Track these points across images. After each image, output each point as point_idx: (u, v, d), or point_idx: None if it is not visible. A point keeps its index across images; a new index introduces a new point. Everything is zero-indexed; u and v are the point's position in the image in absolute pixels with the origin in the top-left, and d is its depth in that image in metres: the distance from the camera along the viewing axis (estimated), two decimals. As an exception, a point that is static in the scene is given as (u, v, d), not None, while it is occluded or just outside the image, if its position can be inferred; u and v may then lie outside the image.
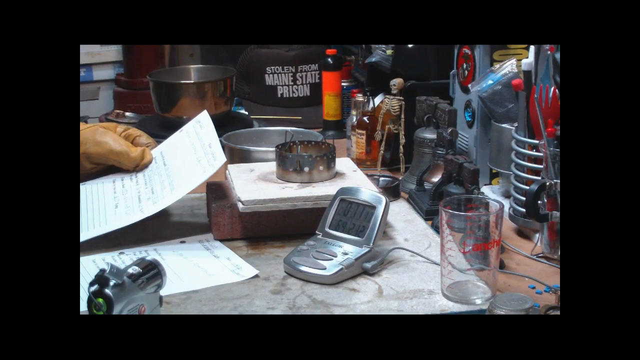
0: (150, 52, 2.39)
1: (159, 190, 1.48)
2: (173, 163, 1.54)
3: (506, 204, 1.45)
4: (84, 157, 1.54)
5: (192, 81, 2.14)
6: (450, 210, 1.20)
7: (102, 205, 1.48)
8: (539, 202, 1.29)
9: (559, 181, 1.27)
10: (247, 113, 2.24)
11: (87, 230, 1.42)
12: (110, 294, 0.98)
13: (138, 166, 1.56)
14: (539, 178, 1.32)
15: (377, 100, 1.86)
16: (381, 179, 1.68)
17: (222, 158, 1.43)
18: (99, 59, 2.59)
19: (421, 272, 1.31)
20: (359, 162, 1.78)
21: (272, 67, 2.28)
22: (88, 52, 2.54)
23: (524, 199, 1.37)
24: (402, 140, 1.70)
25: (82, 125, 1.58)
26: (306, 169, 1.45)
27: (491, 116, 1.58)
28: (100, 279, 0.99)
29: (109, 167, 1.58)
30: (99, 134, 1.54)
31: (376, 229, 1.31)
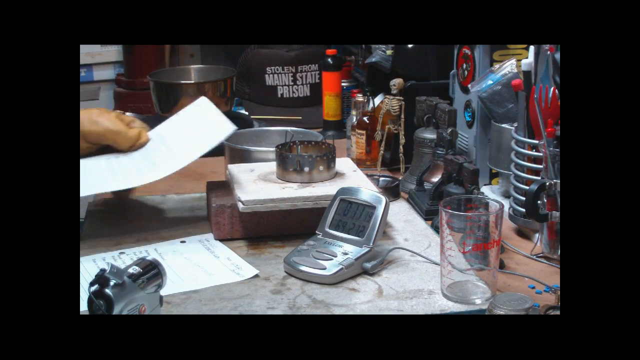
0: (150, 52, 2.39)
1: (161, 161, 1.47)
2: (173, 140, 1.53)
3: (506, 204, 1.45)
4: (80, 136, 1.52)
5: (192, 81, 2.14)
6: (450, 210, 1.20)
7: (99, 173, 1.47)
8: (539, 202, 1.29)
9: (558, 181, 1.27)
10: (247, 113, 2.24)
11: (87, 190, 1.41)
12: (111, 294, 0.98)
13: (134, 146, 1.54)
14: (539, 178, 1.32)
15: (377, 100, 1.86)
16: (381, 179, 1.68)
17: (230, 126, 1.44)
18: (99, 59, 2.59)
19: (421, 272, 1.31)
20: (359, 162, 1.78)
21: (272, 67, 2.28)
22: (88, 52, 2.54)
23: (523, 199, 1.37)
24: (402, 140, 1.70)
25: None
26: (306, 169, 1.45)
27: (491, 116, 1.58)
28: (101, 279, 0.99)
29: (104, 147, 1.57)
30: (94, 114, 1.53)
31: (376, 229, 1.31)
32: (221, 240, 1.44)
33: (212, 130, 1.47)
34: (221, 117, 1.49)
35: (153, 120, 2.12)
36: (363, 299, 1.22)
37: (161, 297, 1.08)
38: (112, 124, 1.53)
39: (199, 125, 1.51)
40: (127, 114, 2.20)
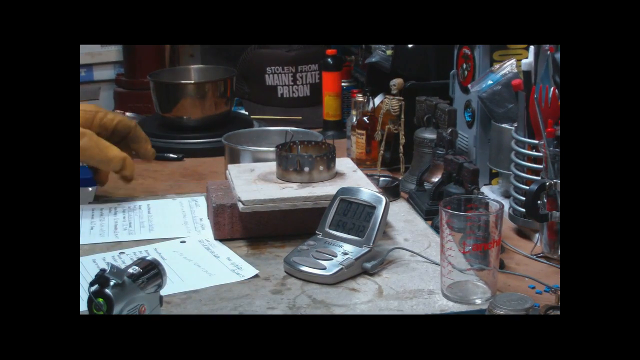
0: (150, 52, 2.38)
1: (137, 227, 1.50)
2: (158, 215, 1.56)
3: (506, 204, 1.45)
4: None
5: (192, 81, 2.14)
6: (450, 210, 1.20)
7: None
8: (539, 202, 1.29)
9: (558, 181, 1.27)
10: (247, 113, 2.24)
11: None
12: (111, 294, 0.98)
13: (117, 173, 1.57)
14: (539, 178, 1.32)
15: (377, 100, 1.86)
16: (381, 179, 1.68)
17: (209, 231, 1.47)
18: (99, 59, 2.59)
19: (421, 272, 1.31)
20: (359, 162, 1.78)
21: (272, 67, 2.28)
22: (88, 52, 2.54)
23: (523, 199, 1.37)
24: (402, 140, 1.70)
25: None
26: (306, 169, 1.45)
27: (491, 116, 1.58)
28: (101, 279, 0.99)
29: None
30: (82, 141, 1.54)
31: (376, 229, 1.31)
32: (221, 240, 1.43)
33: (193, 228, 1.50)
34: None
35: (153, 120, 2.12)
36: (363, 299, 1.22)
37: (161, 297, 1.08)
38: (99, 152, 1.54)
39: (185, 217, 1.55)
40: (127, 114, 2.21)
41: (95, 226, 1.51)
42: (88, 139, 1.54)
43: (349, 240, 1.32)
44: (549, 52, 1.38)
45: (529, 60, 1.42)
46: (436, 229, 1.44)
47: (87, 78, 2.58)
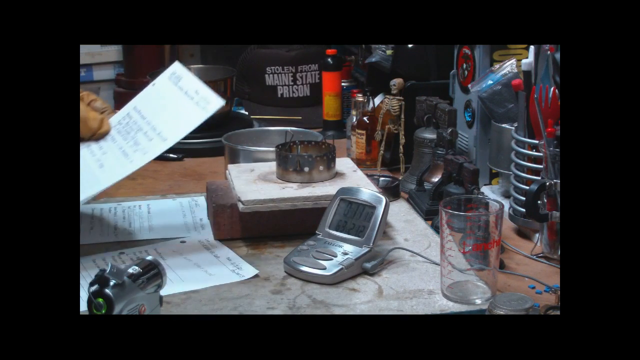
0: (150, 52, 2.38)
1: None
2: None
3: (506, 204, 1.45)
4: None
5: (192, 81, 2.13)
6: (450, 210, 1.20)
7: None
8: (539, 202, 1.29)
9: (558, 181, 1.27)
10: (247, 113, 2.24)
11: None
12: (110, 294, 0.98)
13: (95, 135, 1.43)
14: (539, 178, 1.32)
15: (377, 100, 1.86)
16: (381, 179, 1.68)
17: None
18: (99, 59, 2.59)
19: (421, 272, 1.31)
20: (359, 162, 1.78)
21: (272, 67, 2.28)
22: (88, 52, 2.54)
23: (523, 199, 1.37)
24: (402, 140, 1.70)
25: None
26: (306, 169, 1.45)
27: (491, 116, 1.58)
28: (101, 279, 0.99)
29: None
30: None
31: (376, 229, 1.31)
32: (221, 240, 1.43)
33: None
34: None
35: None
36: (363, 299, 1.22)
37: (161, 297, 1.08)
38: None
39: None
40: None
41: (95, 226, 1.51)
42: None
43: (349, 240, 1.32)
44: (549, 52, 1.38)
45: (529, 60, 1.42)
46: (436, 229, 1.44)
47: (87, 78, 2.58)
